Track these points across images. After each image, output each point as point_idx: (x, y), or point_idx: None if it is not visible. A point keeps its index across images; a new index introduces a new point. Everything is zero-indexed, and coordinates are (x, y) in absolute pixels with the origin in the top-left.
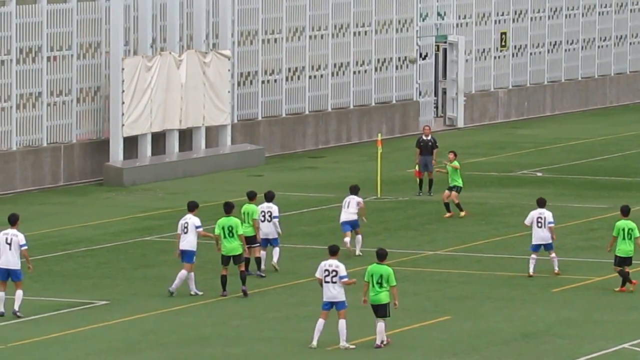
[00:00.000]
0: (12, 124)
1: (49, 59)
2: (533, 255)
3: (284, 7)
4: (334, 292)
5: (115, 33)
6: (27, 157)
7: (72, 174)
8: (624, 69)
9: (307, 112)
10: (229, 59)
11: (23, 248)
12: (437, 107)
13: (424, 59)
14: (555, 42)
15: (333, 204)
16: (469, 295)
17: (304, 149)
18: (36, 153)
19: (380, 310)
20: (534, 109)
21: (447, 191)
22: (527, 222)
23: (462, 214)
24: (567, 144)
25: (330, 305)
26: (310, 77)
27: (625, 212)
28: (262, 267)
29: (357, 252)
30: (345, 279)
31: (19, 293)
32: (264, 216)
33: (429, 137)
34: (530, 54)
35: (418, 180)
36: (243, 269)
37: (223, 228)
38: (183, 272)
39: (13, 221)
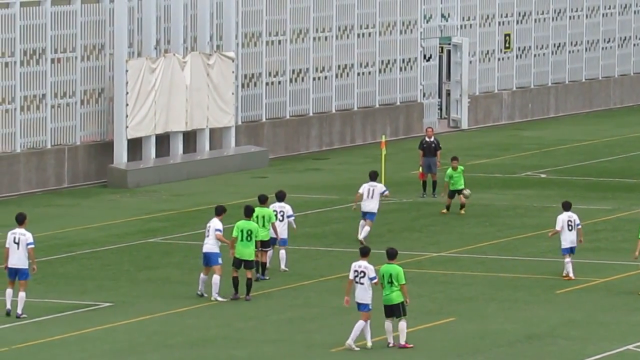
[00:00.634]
0: (16, 126)
1: (53, 60)
2: (568, 259)
3: (288, 8)
4: (360, 294)
5: (119, 35)
6: (31, 159)
7: (76, 176)
8: (628, 71)
9: (311, 114)
10: (233, 61)
11: (29, 246)
12: (441, 109)
13: (427, 60)
14: (559, 43)
15: (337, 205)
16: (473, 296)
17: (308, 151)
18: (40, 155)
19: (395, 311)
20: (538, 111)
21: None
22: (558, 226)
23: (462, 211)
24: (571, 146)
25: (358, 306)
26: (314, 78)
27: None
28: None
29: (361, 237)
30: (375, 281)
31: (22, 295)
32: (275, 216)
33: (432, 139)
34: (534, 55)
35: (422, 182)
36: (251, 276)
37: (242, 231)
38: (216, 277)
39: (21, 220)
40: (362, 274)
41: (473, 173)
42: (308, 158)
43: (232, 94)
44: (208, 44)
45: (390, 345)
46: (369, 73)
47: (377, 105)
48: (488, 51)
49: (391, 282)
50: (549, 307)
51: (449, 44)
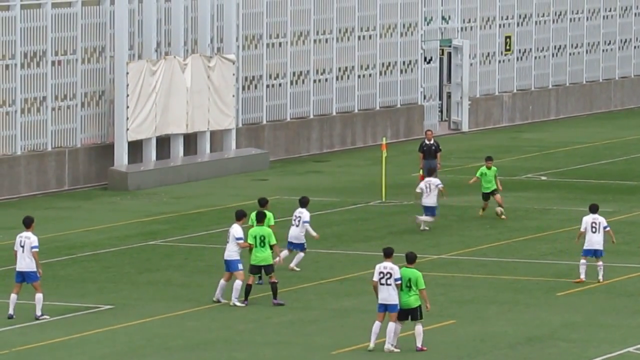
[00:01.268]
0: (16, 128)
1: (53, 63)
2: (584, 261)
3: (289, 11)
4: (386, 295)
5: (119, 37)
6: (32, 161)
7: (77, 179)
8: (628, 73)
9: (311, 116)
10: (233, 63)
11: (34, 250)
12: (441, 111)
13: (428, 63)
14: (560, 45)
15: (337, 208)
16: (474, 299)
17: (309, 153)
18: (41, 157)
19: (412, 314)
20: (538, 113)
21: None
22: (582, 228)
23: (504, 217)
24: (572, 148)
25: (384, 307)
26: (314, 81)
27: None
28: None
29: (423, 227)
30: (399, 282)
31: (39, 297)
32: (294, 220)
33: (432, 142)
34: (535, 57)
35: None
36: (275, 279)
37: (255, 237)
38: (238, 282)
39: (27, 224)
40: (388, 275)
41: (473, 175)
42: (309, 160)
43: (233, 96)
44: (209, 46)
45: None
46: (370, 75)
47: (378, 108)
48: (489, 53)
49: (409, 287)
50: (550, 310)
51: (450, 46)
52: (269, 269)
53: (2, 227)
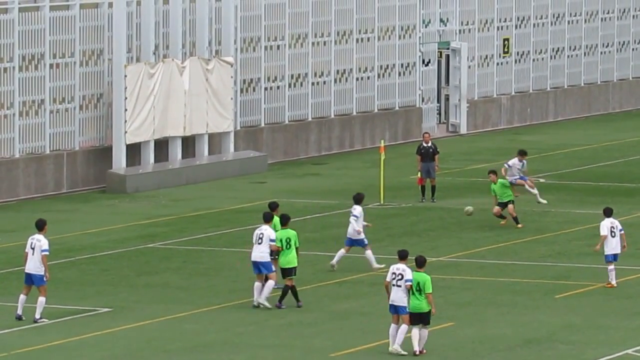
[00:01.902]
0: (15, 131)
1: (51, 66)
2: (611, 267)
3: (287, 13)
4: (397, 296)
5: (117, 40)
6: (30, 164)
7: (75, 181)
8: (626, 75)
9: (310, 119)
10: (231, 66)
11: (43, 253)
12: (439, 114)
13: (426, 65)
14: (558, 48)
15: (336, 210)
16: (472, 301)
17: (307, 156)
18: (39, 160)
19: (423, 319)
20: (536, 115)
21: (497, 207)
22: (604, 232)
23: (520, 225)
24: (570, 150)
25: (395, 308)
26: (313, 83)
27: None
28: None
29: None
30: (409, 283)
31: (41, 300)
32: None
33: (430, 144)
34: (533, 60)
35: (420, 187)
36: (292, 284)
37: (281, 240)
38: (270, 282)
39: (40, 226)
40: (399, 277)
41: (472, 178)
42: (307, 163)
43: (231, 99)
44: (207, 49)
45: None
46: (368, 78)
47: (376, 110)
48: (487, 56)
49: (420, 290)
50: (548, 312)
51: (448, 48)
52: (291, 271)
53: (1, 230)
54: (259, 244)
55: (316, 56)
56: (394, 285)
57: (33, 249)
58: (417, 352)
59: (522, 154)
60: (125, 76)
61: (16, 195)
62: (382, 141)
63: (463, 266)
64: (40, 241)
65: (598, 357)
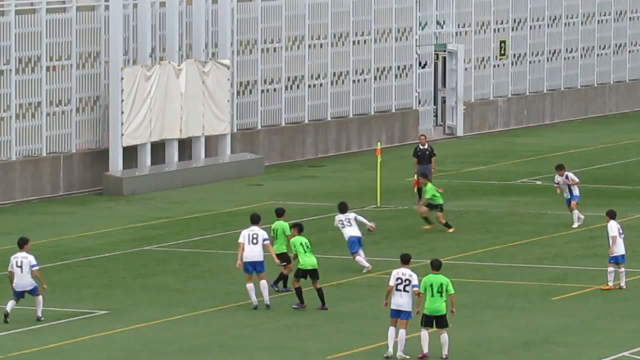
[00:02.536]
0: (11, 133)
1: (48, 68)
2: (612, 268)
3: (283, 16)
4: (401, 301)
5: (114, 43)
6: (27, 167)
7: (72, 184)
8: (623, 77)
9: (306, 121)
10: (228, 68)
11: (34, 268)
12: (436, 116)
13: (423, 67)
14: (555, 50)
15: (333, 213)
16: (469, 303)
17: (304, 158)
18: (36, 163)
19: (442, 321)
20: (533, 118)
21: (424, 207)
22: (613, 233)
23: (451, 230)
24: (567, 152)
25: (397, 313)
26: (309, 86)
27: None
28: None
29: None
30: (416, 289)
31: (39, 299)
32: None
33: (426, 146)
34: (530, 62)
35: (416, 189)
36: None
37: (302, 244)
38: (264, 282)
39: (21, 244)
40: (407, 282)
41: (468, 180)
42: (303, 165)
43: (228, 101)
44: (203, 51)
45: (425, 354)
46: (365, 80)
47: (373, 113)
48: (483, 58)
49: (441, 292)
50: (545, 314)
51: (445, 51)
52: (315, 274)
53: None
54: (254, 244)
55: (313, 58)
56: (398, 290)
57: (20, 267)
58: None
59: (558, 168)
60: (122, 79)
61: (12, 198)
62: (379, 143)
63: (460, 268)
64: (27, 258)
65: (594, 359)
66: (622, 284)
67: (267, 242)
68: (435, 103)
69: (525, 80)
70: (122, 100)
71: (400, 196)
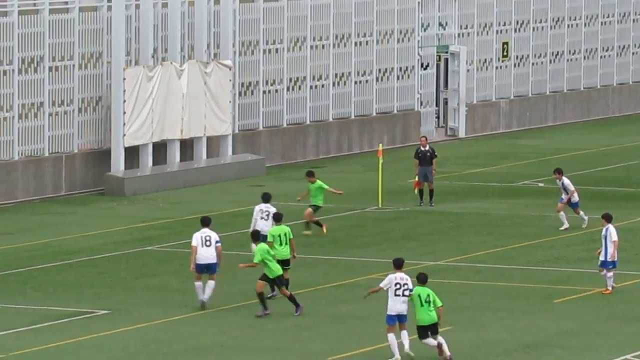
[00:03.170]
0: (14, 133)
1: (50, 69)
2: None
3: (285, 17)
4: (402, 307)
5: (116, 43)
6: (29, 166)
7: (74, 184)
8: (626, 79)
9: (308, 122)
10: (230, 69)
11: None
12: (438, 118)
13: (425, 69)
14: (558, 52)
15: (334, 214)
16: (470, 305)
17: (305, 159)
18: (38, 163)
19: (435, 328)
20: (535, 119)
21: (310, 209)
22: (616, 238)
23: (324, 229)
24: (569, 155)
25: (397, 318)
26: (311, 87)
27: None
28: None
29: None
30: (411, 294)
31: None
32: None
33: (427, 148)
34: (532, 64)
35: (417, 190)
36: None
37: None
38: (212, 282)
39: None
40: (405, 287)
41: (470, 182)
42: (305, 166)
43: (229, 102)
44: (205, 52)
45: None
46: (366, 81)
47: (374, 114)
48: (486, 59)
49: (429, 302)
50: (546, 317)
51: (447, 52)
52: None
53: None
54: (207, 246)
55: (315, 60)
56: (397, 295)
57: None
58: (448, 356)
59: (556, 172)
60: (124, 79)
61: (15, 198)
62: (381, 145)
63: (461, 270)
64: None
65: None
66: (609, 287)
67: (219, 244)
68: (437, 104)
69: (528, 81)
70: (124, 101)
71: (401, 198)
